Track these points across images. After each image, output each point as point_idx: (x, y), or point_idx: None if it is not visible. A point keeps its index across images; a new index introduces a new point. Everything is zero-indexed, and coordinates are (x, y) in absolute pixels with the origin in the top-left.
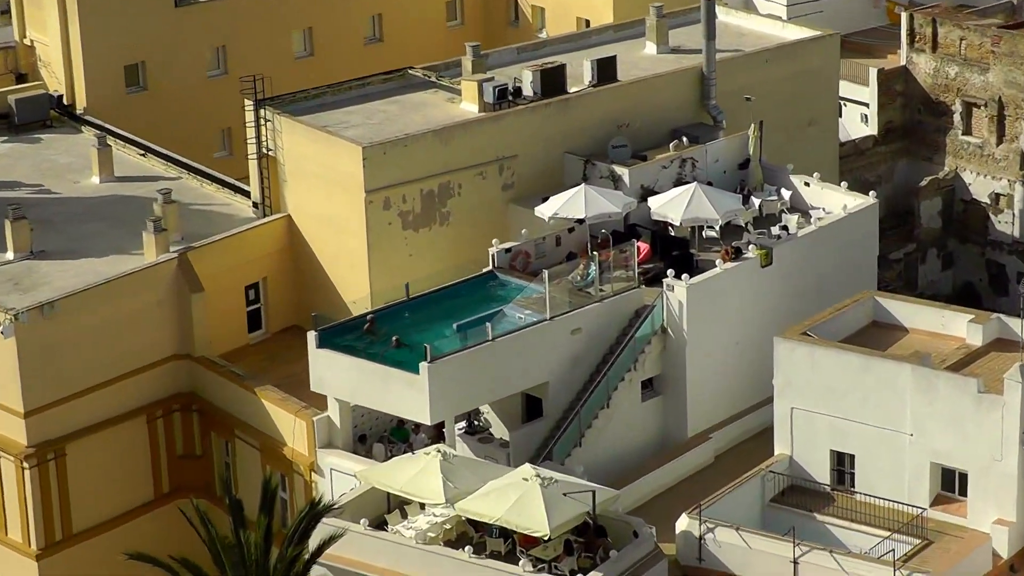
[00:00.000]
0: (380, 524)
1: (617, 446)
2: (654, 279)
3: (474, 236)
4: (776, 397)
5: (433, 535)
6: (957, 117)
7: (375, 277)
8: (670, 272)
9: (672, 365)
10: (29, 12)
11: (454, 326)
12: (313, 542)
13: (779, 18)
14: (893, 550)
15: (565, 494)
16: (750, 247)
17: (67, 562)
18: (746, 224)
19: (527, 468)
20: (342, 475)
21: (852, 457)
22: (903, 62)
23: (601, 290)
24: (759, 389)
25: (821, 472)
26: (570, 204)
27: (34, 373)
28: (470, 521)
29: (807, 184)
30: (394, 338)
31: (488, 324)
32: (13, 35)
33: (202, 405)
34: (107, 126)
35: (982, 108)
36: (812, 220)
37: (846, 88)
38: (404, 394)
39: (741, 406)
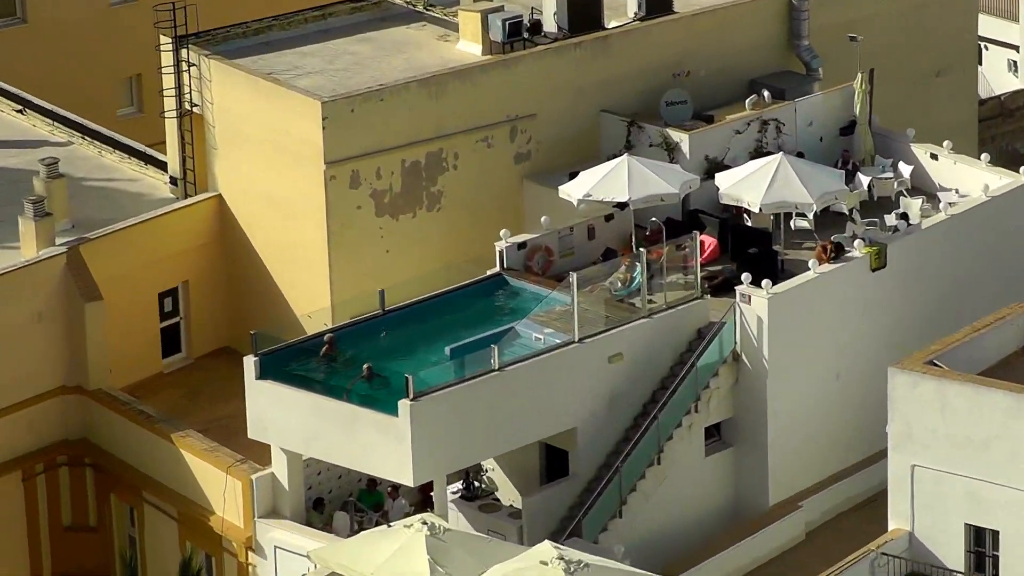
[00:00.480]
0: None
1: (672, 517)
2: (723, 286)
3: (475, 226)
4: (891, 451)
5: None
6: None
7: (339, 281)
8: (745, 277)
9: (748, 405)
10: None
11: (447, 350)
12: None
13: None
14: None
15: None
16: (856, 243)
17: None
18: (851, 211)
19: (547, 547)
20: (290, 555)
21: (995, 535)
22: None
23: (650, 301)
24: (867, 440)
25: (953, 555)
26: (608, 182)
27: None
28: None
29: (934, 157)
30: (365, 366)
31: (494, 347)
32: None
33: (98, 458)
34: None
35: None
36: (941, 206)
37: (988, 25)
38: (377, 443)
39: (843, 463)
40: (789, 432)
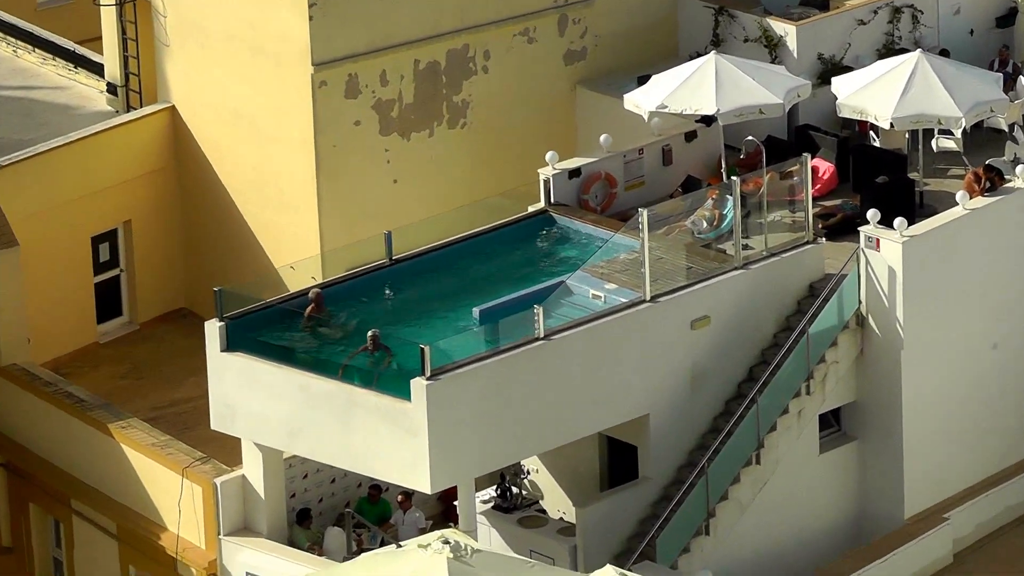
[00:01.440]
0: None
1: (775, 534)
2: (843, 226)
3: (512, 147)
4: None
5: None
6: None
7: (331, 221)
8: (872, 214)
9: (877, 386)
10: None
11: (475, 312)
12: None
13: None
14: None
15: None
16: (1018, 169)
17: None
18: (1011, 127)
19: (609, 573)
20: None
21: None
22: None
23: (746, 247)
24: None
25: None
26: (689, 89)
27: None
28: None
29: None
30: (370, 333)
31: (537, 308)
32: None
33: (13, 455)
34: None
35: None
36: None
37: None
38: (383, 437)
39: (1001, 462)
40: (931, 421)
